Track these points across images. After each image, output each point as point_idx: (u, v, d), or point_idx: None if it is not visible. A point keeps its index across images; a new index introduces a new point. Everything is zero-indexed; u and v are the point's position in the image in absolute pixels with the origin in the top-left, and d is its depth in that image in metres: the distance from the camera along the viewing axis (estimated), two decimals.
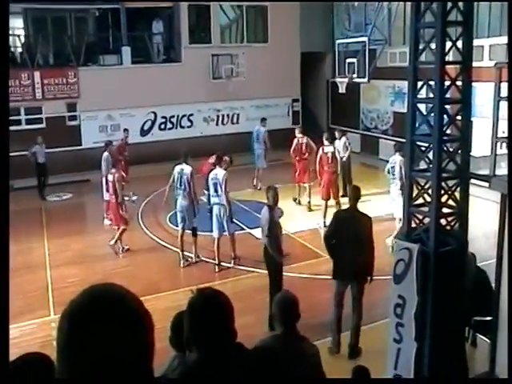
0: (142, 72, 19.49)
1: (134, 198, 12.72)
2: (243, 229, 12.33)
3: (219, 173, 10.24)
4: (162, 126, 20.33)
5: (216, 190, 10.19)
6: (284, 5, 21.05)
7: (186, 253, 10.64)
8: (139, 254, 11.52)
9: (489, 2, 15.26)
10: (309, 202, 13.80)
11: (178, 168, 10.52)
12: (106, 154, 13.29)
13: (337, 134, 14.42)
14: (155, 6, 20.72)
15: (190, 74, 19.72)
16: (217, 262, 10.28)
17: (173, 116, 20.43)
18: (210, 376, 2.20)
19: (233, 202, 13.77)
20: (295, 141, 14.20)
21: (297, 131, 14.57)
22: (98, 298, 1.25)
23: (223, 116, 21.20)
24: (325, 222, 12.24)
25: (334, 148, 13.26)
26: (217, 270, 10.22)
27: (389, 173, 11.42)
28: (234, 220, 11.09)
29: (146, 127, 20.06)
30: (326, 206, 12.46)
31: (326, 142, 12.80)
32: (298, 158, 14.08)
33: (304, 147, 14.04)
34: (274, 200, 7.92)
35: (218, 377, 2.20)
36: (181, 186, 10.36)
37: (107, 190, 11.73)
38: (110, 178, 11.18)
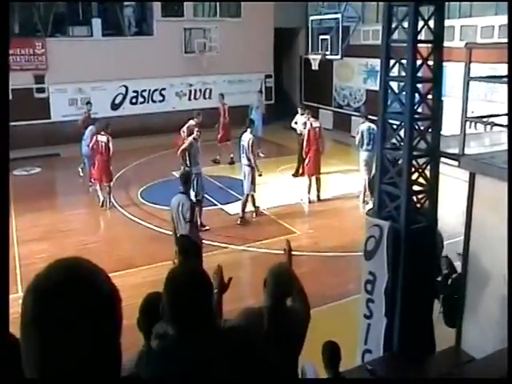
0: (113, 45, 19.08)
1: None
2: (215, 204, 12.33)
3: (245, 137, 11.34)
4: (134, 101, 20.00)
5: (243, 151, 11.30)
6: None
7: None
8: (110, 229, 11.45)
9: None
10: (318, 196, 12.65)
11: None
12: (91, 126, 13.22)
13: (299, 110, 14.16)
14: None
15: (162, 48, 19.39)
16: (241, 214, 11.30)
17: (144, 90, 20.12)
18: (188, 355, 2.17)
19: (205, 178, 13.79)
20: (308, 125, 12.56)
21: (302, 112, 13.26)
22: (64, 272, 1.21)
23: (196, 91, 20.97)
24: (309, 198, 12.49)
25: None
26: (254, 216, 11.50)
27: (359, 143, 11.89)
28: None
29: (117, 101, 19.70)
30: (311, 182, 12.50)
31: (311, 118, 12.72)
32: (310, 147, 12.44)
33: (318, 132, 12.56)
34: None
35: (195, 356, 2.17)
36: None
37: (96, 151, 12.19)
38: (104, 138, 11.99)
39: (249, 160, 11.25)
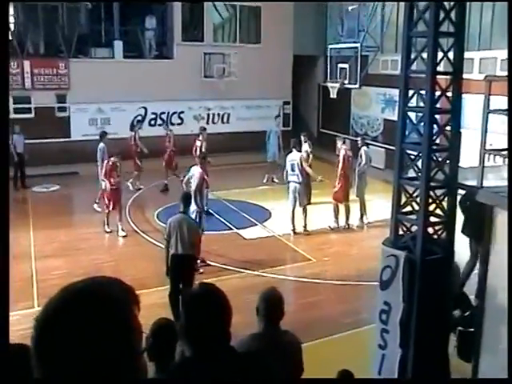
0: (134, 67, 19.45)
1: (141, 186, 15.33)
2: (231, 228, 12.37)
3: (294, 156, 12.11)
4: (152, 122, 20.29)
5: (293, 170, 11.91)
6: (278, 6, 21.09)
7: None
8: (126, 248, 11.53)
9: (479, 17, 15.45)
10: (348, 223, 12.74)
11: (192, 169, 10.92)
12: (101, 144, 13.56)
13: (302, 138, 14.21)
14: (149, 1, 20.67)
15: (181, 72, 19.69)
16: (292, 227, 12.01)
17: (163, 112, 20.39)
18: (201, 376, 2.16)
19: (221, 202, 13.85)
20: (342, 153, 12.52)
21: (339, 142, 12.87)
22: (73, 302, 1.21)
23: (214, 115, 21.20)
24: (338, 223, 12.57)
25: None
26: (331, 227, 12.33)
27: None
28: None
29: (136, 122, 19.99)
30: (338, 208, 12.57)
31: (344, 146, 12.67)
32: (343, 174, 12.49)
33: (351, 160, 12.73)
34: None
35: (208, 378, 2.15)
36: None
37: (111, 176, 11.97)
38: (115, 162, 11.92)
39: (300, 176, 11.95)
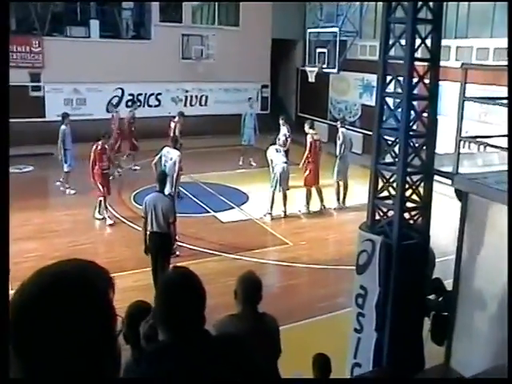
0: (111, 47, 19.12)
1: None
2: (208, 211, 12.35)
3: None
4: (129, 104, 20.00)
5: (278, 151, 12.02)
6: None
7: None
8: (102, 231, 11.43)
9: (456, 6, 15.55)
10: (323, 205, 12.81)
11: (165, 150, 10.74)
12: (63, 127, 13.25)
13: (281, 121, 14.49)
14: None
15: (159, 53, 19.44)
16: (270, 211, 12.03)
17: (140, 94, 20.15)
18: (182, 357, 2.15)
19: (198, 185, 13.79)
20: (309, 138, 12.56)
21: (307, 126, 12.78)
22: (49, 287, 1.19)
23: (192, 97, 21.03)
24: (309, 208, 12.58)
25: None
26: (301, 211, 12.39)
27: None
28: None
29: (112, 103, 19.72)
30: (311, 193, 12.63)
31: (311, 130, 12.73)
32: (311, 158, 12.51)
33: (318, 144, 12.68)
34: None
35: (185, 362, 2.14)
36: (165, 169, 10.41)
37: (101, 160, 11.45)
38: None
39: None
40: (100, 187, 11.49)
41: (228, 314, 3.90)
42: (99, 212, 11.65)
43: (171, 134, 13.63)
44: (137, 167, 15.64)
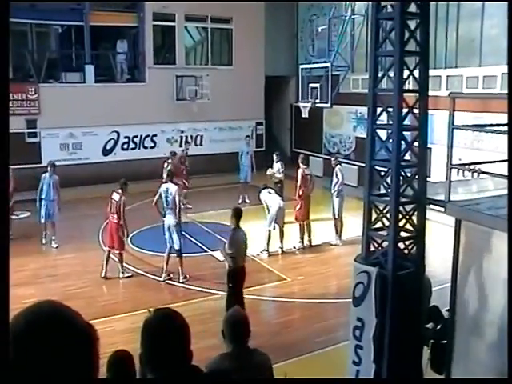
0: (106, 91, 19.37)
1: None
2: (205, 251, 12.28)
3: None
4: (125, 146, 20.17)
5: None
6: (249, 28, 21.33)
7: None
8: (98, 274, 11.32)
9: (445, 37, 15.89)
10: (310, 241, 12.80)
11: (164, 187, 10.73)
12: (55, 176, 12.98)
13: (274, 158, 14.75)
14: (120, 25, 20.67)
15: (153, 95, 19.70)
16: (266, 248, 12.12)
17: (136, 136, 20.30)
18: None
19: (195, 224, 13.76)
20: (300, 172, 12.70)
21: (299, 160, 12.97)
22: (37, 314, 1.26)
23: (187, 137, 21.17)
24: (303, 244, 12.63)
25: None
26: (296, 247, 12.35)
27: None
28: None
29: (108, 146, 19.86)
30: (303, 228, 12.66)
31: (302, 165, 12.83)
32: (302, 193, 12.60)
33: (309, 179, 12.77)
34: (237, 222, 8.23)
35: None
36: (168, 204, 10.54)
37: (110, 210, 10.81)
38: (116, 197, 10.64)
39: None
40: (118, 241, 10.78)
41: (220, 353, 3.84)
42: (122, 272, 10.87)
43: (164, 175, 13.64)
44: (190, 206, 15.79)
